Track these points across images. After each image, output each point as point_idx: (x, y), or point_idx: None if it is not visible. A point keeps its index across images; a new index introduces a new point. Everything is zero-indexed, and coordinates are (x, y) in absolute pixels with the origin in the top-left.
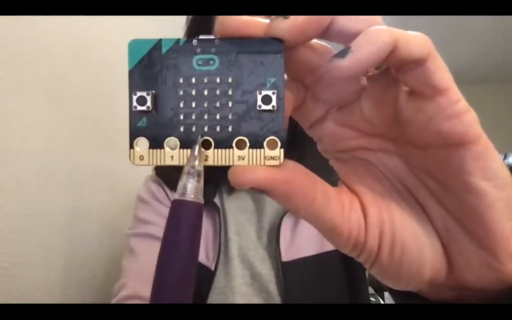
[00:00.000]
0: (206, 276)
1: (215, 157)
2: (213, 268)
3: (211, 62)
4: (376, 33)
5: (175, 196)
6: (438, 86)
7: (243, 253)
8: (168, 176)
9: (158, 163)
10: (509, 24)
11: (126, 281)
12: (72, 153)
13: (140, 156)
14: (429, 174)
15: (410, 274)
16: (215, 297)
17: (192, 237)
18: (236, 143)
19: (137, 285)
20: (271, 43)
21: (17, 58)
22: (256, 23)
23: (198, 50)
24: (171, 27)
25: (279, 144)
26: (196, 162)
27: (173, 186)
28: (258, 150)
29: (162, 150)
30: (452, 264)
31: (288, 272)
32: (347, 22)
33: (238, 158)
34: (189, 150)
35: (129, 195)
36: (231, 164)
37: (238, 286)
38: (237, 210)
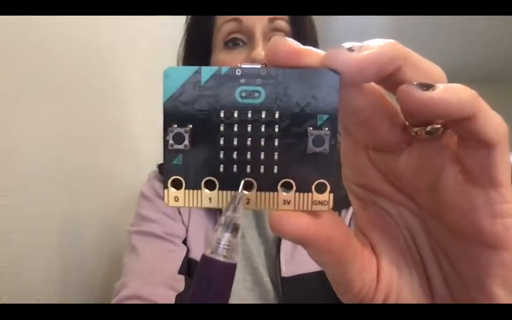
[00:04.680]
0: None
1: (257, 200)
2: None
3: (256, 94)
4: (463, 89)
5: (207, 250)
6: (496, 179)
7: (246, 257)
8: None
9: (195, 206)
10: (509, 24)
11: (126, 281)
12: (72, 153)
13: (175, 197)
14: (446, 255)
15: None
16: None
17: (221, 298)
18: (281, 185)
19: (137, 285)
20: (326, 75)
21: (17, 59)
22: (311, 53)
23: (242, 80)
24: (171, 26)
25: (329, 188)
26: (235, 214)
27: None
28: (306, 194)
29: (199, 191)
30: None
31: (287, 287)
32: (415, 74)
33: (284, 202)
34: (229, 193)
35: (129, 196)
36: (275, 208)
37: (238, 291)
38: None
